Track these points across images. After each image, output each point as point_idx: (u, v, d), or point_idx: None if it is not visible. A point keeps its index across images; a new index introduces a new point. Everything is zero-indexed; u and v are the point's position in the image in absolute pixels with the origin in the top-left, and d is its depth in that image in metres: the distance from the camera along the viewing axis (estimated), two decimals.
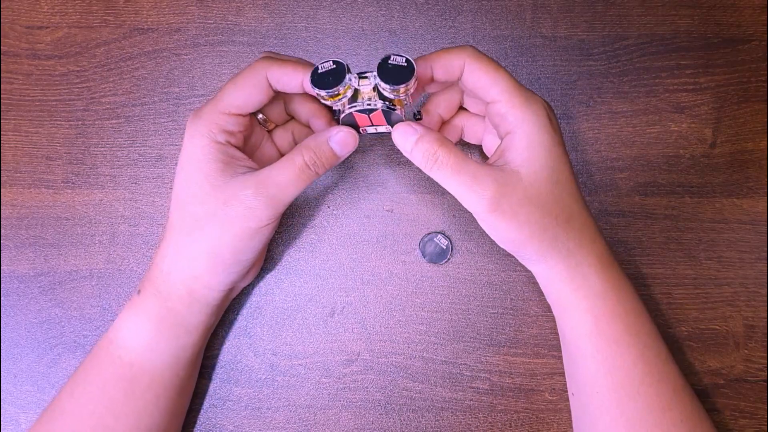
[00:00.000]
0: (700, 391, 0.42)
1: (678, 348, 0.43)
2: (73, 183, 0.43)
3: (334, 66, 0.33)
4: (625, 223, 0.43)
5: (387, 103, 0.34)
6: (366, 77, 0.34)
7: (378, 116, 0.35)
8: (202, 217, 0.35)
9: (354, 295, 0.43)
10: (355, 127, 0.36)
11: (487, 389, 0.42)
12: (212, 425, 0.42)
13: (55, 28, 0.44)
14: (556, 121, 0.36)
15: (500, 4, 0.44)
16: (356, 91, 0.34)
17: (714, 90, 0.44)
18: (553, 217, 0.35)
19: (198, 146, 0.35)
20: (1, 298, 0.43)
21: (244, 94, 0.35)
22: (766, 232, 0.43)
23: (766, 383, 0.42)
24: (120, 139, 0.44)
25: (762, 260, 0.43)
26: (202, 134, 0.35)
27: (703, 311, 0.43)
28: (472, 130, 0.40)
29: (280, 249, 0.43)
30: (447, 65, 0.35)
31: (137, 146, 0.44)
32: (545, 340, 0.43)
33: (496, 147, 0.37)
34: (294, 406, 0.42)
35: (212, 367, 0.43)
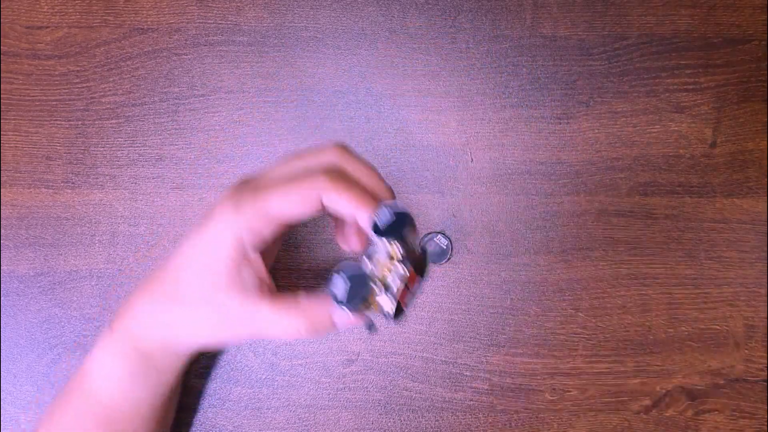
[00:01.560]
0: (701, 391, 0.42)
1: (678, 348, 0.43)
2: (72, 183, 0.43)
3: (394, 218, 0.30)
4: (625, 223, 0.43)
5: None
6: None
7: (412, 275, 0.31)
8: (207, 302, 0.33)
9: None
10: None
11: (487, 389, 0.42)
12: (211, 425, 0.42)
13: (55, 28, 0.44)
14: None
15: (500, 4, 0.44)
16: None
17: (714, 90, 0.44)
18: None
19: (233, 237, 0.31)
20: (1, 298, 0.43)
21: (294, 204, 0.31)
22: (766, 232, 0.43)
23: (766, 383, 0.42)
24: (120, 139, 0.44)
25: (762, 260, 0.43)
26: (235, 237, 0.31)
27: (704, 311, 0.43)
28: None
29: (278, 250, 0.43)
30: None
31: (137, 146, 0.44)
32: (545, 340, 0.43)
33: None
34: (294, 406, 0.42)
35: (212, 367, 0.43)
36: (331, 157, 0.32)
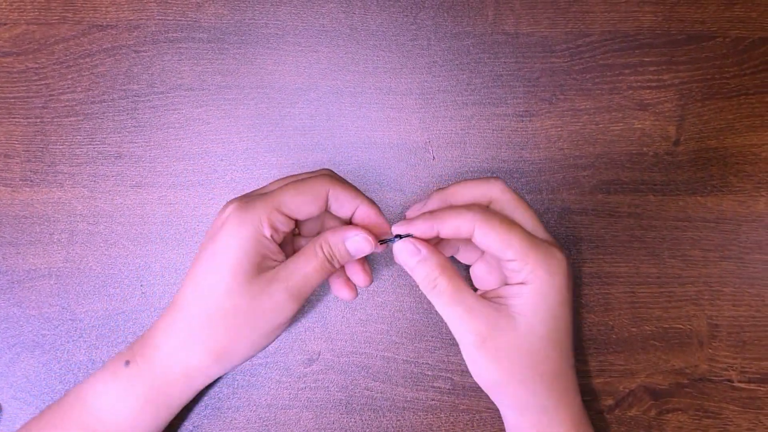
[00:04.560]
0: (664, 390, 0.42)
1: (642, 347, 0.42)
2: (31, 181, 0.43)
3: None
4: (588, 221, 0.43)
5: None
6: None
7: None
8: (228, 312, 0.34)
9: (315, 294, 0.43)
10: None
11: (449, 389, 0.42)
12: (171, 425, 0.42)
13: (13, 25, 0.44)
14: (572, 277, 0.36)
15: (462, 1, 0.44)
16: None
17: (678, 87, 0.44)
18: (539, 373, 0.35)
19: (244, 237, 0.34)
20: None
21: (304, 201, 0.35)
22: (729, 231, 0.43)
23: (729, 383, 0.42)
24: (79, 137, 0.43)
25: (726, 259, 0.43)
26: (252, 225, 0.34)
27: (667, 310, 0.43)
28: (467, 255, 0.40)
29: None
30: (455, 229, 0.35)
31: (96, 144, 0.43)
32: None
33: (484, 275, 0.38)
34: (254, 405, 0.42)
35: None
36: (324, 173, 0.37)
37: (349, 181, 0.38)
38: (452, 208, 0.36)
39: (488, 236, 0.34)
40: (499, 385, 0.35)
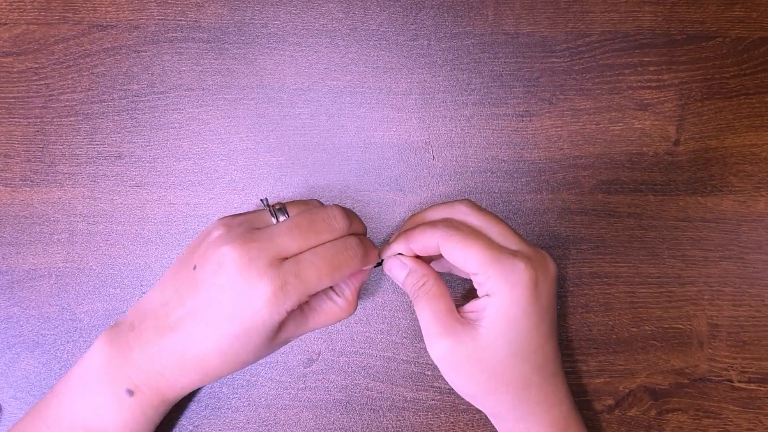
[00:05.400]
0: (664, 390, 0.42)
1: (642, 347, 0.42)
2: (31, 181, 0.43)
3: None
4: (588, 222, 0.43)
5: None
6: None
7: None
8: (248, 360, 0.35)
9: None
10: None
11: (448, 389, 0.42)
12: (171, 425, 0.42)
13: (13, 25, 0.44)
14: (545, 289, 0.36)
15: (462, 1, 0.44)
16: None
17: (677, 87, 0.44)
18: (504, 384, 0.35)
19: (276, 322, 0.34)
20: None
21: (335, 282, 0.35)
22: (729, 230, 0.43)
23: (729, 383, 0.42)
24: (79, 137, 0.43)
25: (726, 259, 0.43)
26: (284, 313, 0.33)
27: (667, 310, 0.43)
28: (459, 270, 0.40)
29: None
30: (424, 245, 0.37)
31: (96, 144, 0.43)
32: None
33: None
34: (254, 405, 0.42)
35: None
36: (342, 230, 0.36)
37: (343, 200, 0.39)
38: (419, 226, 0.37)
39: (451, 251, 0.35)
40: (472, 395, 0.37)
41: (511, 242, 0.36)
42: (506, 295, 0.34)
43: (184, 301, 0.34)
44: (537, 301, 0.35)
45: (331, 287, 0.38)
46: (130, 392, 0.35)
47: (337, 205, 0.36)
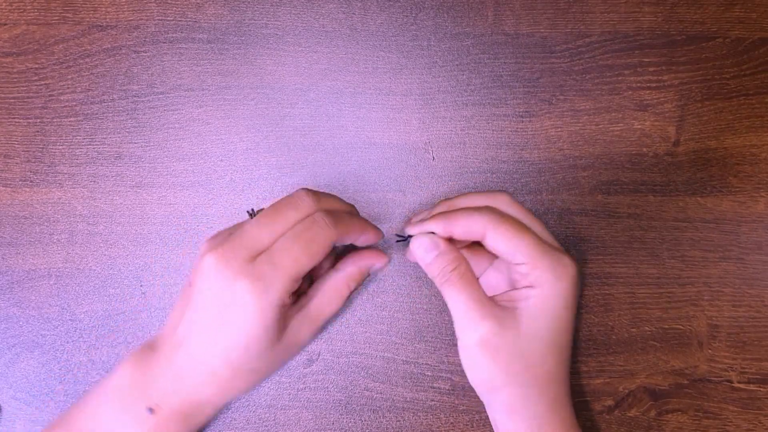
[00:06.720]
0: (664, 391, 0.42)
1: (641, 348, 0.42)
2: (31, 181, 0.43)
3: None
4: (587, 222, 0.43)
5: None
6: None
7: None
8: (261, 368, 0.36)
9: None
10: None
11: (448, 389, 0.42)
12: None
13: (12, 25, 0.44)
14: (579, 286, 0.36)
15: (462, 1, 0.44)
16: None
17: (677, 88, 0.44)
18: (533, 375, 0.35)
19: (269, 318, 0.34)
20: None
21: (316, 261, 0.34)
22: (729, 231, 0.43)
23: (729, 383, 0.42)
24: (79, 137, 0.43)
25: (726, 259, 0.43)
26: (274, 305, 0.33)
27: (667, 311, 0.43)
28: (476, 264, 0.39)
29: None
30: (467, 230, 0.36)
31: (96, 144, 0.43)
32: None
33: (492, 284, 0.38)
34: (254, 405, 0.42)
35: None
36: (311, 207, 0.36)
37: (332, 192, 0.38)
38: (465, 209, 0.36)
39: (499, 239, 0.35)
40: (492, 387, 0.36)
41: (548, 239, 0.37)
42: (554, 287, 0.35)
43: (185, 317, 0.35)
44: (576, 297, 0.36)
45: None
46: (151, 410, 0.35)
47: (303, 188, 0.36)
